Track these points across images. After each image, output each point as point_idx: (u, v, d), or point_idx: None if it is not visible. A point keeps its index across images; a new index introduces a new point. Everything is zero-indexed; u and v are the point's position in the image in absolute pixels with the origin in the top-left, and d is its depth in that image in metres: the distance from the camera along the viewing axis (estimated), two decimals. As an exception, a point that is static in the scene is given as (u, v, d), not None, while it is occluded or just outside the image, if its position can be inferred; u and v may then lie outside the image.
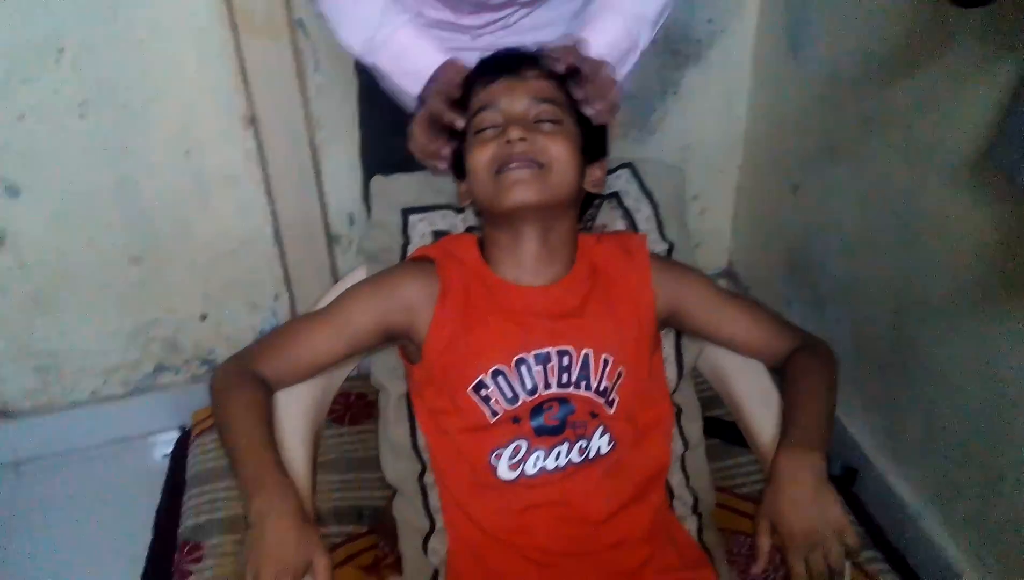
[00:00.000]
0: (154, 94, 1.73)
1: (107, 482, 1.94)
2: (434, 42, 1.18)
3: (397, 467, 1.14)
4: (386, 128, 1.40)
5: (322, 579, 0.88)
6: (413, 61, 1.16)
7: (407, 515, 1.12)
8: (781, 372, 1.11)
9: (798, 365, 1.08)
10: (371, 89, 1.42)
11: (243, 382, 1.01)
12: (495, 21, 1.27)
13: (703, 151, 2.10)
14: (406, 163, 1.25)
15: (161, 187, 1.82)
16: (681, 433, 1.17)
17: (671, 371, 1.17)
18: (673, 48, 1.94)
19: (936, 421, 1.52)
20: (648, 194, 1.24)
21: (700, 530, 1.13)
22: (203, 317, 1.99)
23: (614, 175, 1.23)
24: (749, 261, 2.19)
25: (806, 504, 0.93)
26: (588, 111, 1.08)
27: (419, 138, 1.13)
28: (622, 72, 1.19)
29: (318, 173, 1.87)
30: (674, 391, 1.17)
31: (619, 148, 1.97)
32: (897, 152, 1.53)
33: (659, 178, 1.26)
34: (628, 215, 1.23)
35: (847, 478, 1.76)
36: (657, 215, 1.23)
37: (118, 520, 1.82)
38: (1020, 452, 1.34)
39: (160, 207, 1.84)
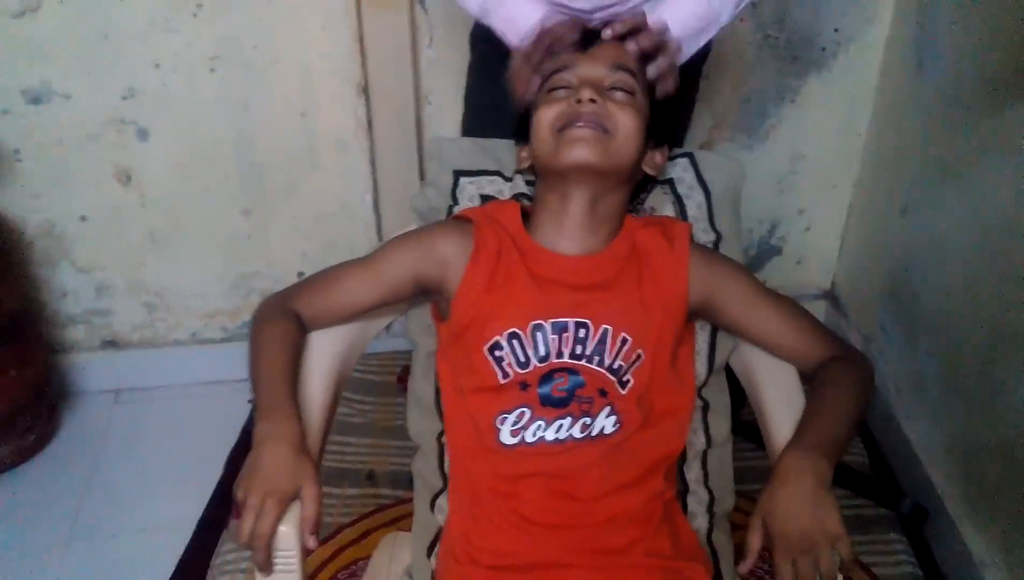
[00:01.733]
0: (278, 55, 1.82)
1: (198, 419, 2.04)
2: (544, 4, 1.19)
3: (420, 423, 1.16)
4: (488, 104, 1.43)
5: (309, 507, 0.89)
6: (525, 21, 1.17)
7: (423, 472, 1.14)
8: (811, 379, 1.06)
9: (828, 373, 1.03)
10: (480, 64, 1.46)
11: (279, 316, 1.05)
12: (610, 6, 1.26)
13: (815, 164, 2.03)
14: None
15: (276, 145, 1.91)
16: (706, 429, 1.14)
17: (702, 365, 1.14)
18: (794, 53, 1.89)
19: (1014, 468, 1.42)
20: (703, 183, 1.21)
21: (710, 530, 1.10)
22: (300, 274, 2.06)
23: (671, 162, 1.21)
24: (853, 285, 2.10)
25: (802, 507, 0.88)
26: (651, 70, 1.08)
27: (517, 65, 1.14)
28: (696, 45, 1.18)
29: (420, 147, 1.92)
30: (703, 386, 1.14)
31: (728, 152, 1.96)
32: (1007, 179, 1.44)
33: (717, 169, 1.23)
34: (679, 201, 1.21)
35: (917, 518, 1.67)
36: (709, 204, 1.21)
37: (202, 453, 1.91)
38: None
39: (273, 164, 1.94)
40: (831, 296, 2.19)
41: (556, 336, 1.02)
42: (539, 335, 1.02)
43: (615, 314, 1.03)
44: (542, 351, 1.02)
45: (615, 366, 1.02)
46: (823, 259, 2.17)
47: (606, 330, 1.02)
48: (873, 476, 1.84)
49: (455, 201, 1.21)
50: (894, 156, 1.86)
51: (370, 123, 1.89)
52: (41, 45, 1.75)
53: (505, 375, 1.02)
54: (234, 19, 1.77)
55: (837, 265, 2.16)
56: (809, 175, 2.04)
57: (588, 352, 1.02)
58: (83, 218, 1.95)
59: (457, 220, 1.13)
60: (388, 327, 1.23)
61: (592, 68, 1.05)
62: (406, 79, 1.84)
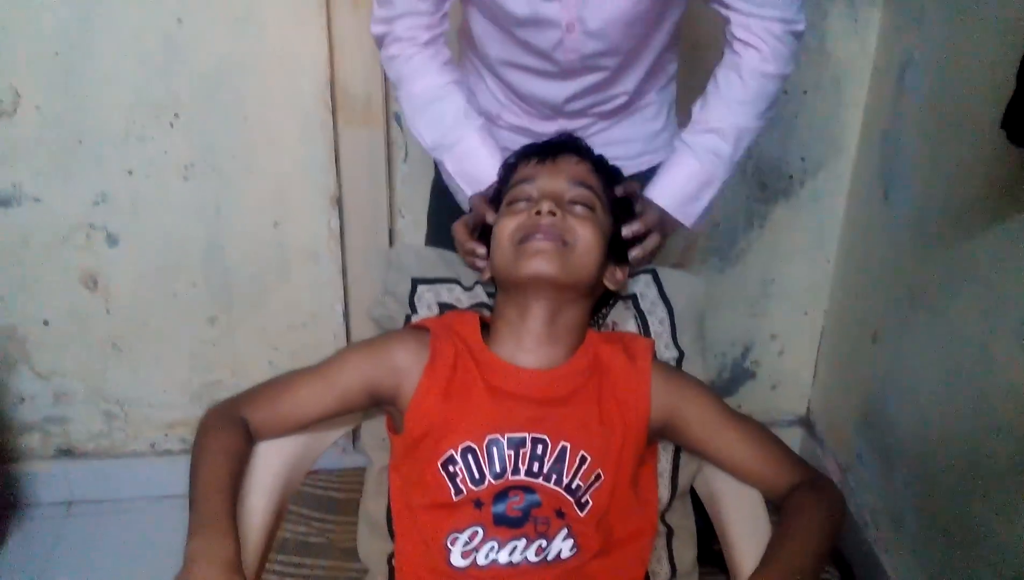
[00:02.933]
0: (252, 165, 1.83)
1: (152, 534, 1.93)
2: (499, 151, 1.23)
3: (370, 543, 1.11)
4: (449, 225, 1.43)
5: None
6: (475, 166, 1.21)
7: (373, 597, 1.08)
8: (779, 507, 1.02)
9: (795, 501, 0.99)
10: (442, 186, 1.46)
11: (224, 425, 1.01)
12: (571, 132, 1.29)
13: (786, 289, 2.03)
14: None
15: (247, 253, 1.91)
16: (671, 558, 1.09)
17: (664, 488, 1.10)
18: (762, 180, 1.92)
19: (997, 609, 1.36)
20: (665, 300, 1.21)
21: (682, 671, 1.04)
22: (266, 385, 2.02)
23: (634, 278, 1.21)
24: (828, 411, 2.07)
25: None
26: (636, 253, 1.15)
27: (459, 235, 1.17)
28: (696, 209, 1.23)
29: (393, 259, 1.91)
30: (666, 510, 1.10)
31: (696, 274, 1.96)
32: (974, 307, 1.44)
33: (679, 286, 1.23)
34: (642, 317, 1.20)
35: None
36: (672, 321, 1.20)
37: (155, 572, 1.82)
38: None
39: (243, 272, 1.92)
40: (807, 422, 2.15)
41: (512, 451, 0.98)
42: (494, 450, 0.98)
43: (573, 431, 1.00)
44: (497, 467, 0.98)
45: (573, 486, 0.98)
46: (798, 384, 2.15)
47: (564, 447, 0.99)
48: (851, 612, 1.77)
49: (413, 310, 1.19)
50: (864, 283, 1.87)
51: (342, 234, 1.89)
52: (14, 148, 1.75)
53: (458, 491, 0.98)
54: (210, 129, 1.79)
55: (812, 391, 2.14)
56: (780, 299, 2.04)
57: (545, 470, 0.98)
58: (46, 322, 1.91)
59: (413, 329, 1.11)
60: (354, 444, 1.19)
61: (553, 181, 1.06)
62: (380, 192, 1.85)
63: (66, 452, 2.04)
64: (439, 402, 1.01)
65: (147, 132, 1.78)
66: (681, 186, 1.21)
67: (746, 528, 1.03)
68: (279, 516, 1.05)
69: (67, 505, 2.04)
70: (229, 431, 1.01)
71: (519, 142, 1.26)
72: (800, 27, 1.19)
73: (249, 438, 1.03)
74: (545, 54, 1.19)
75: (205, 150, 1.81)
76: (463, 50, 1.36)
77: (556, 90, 1.23)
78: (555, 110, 1.27)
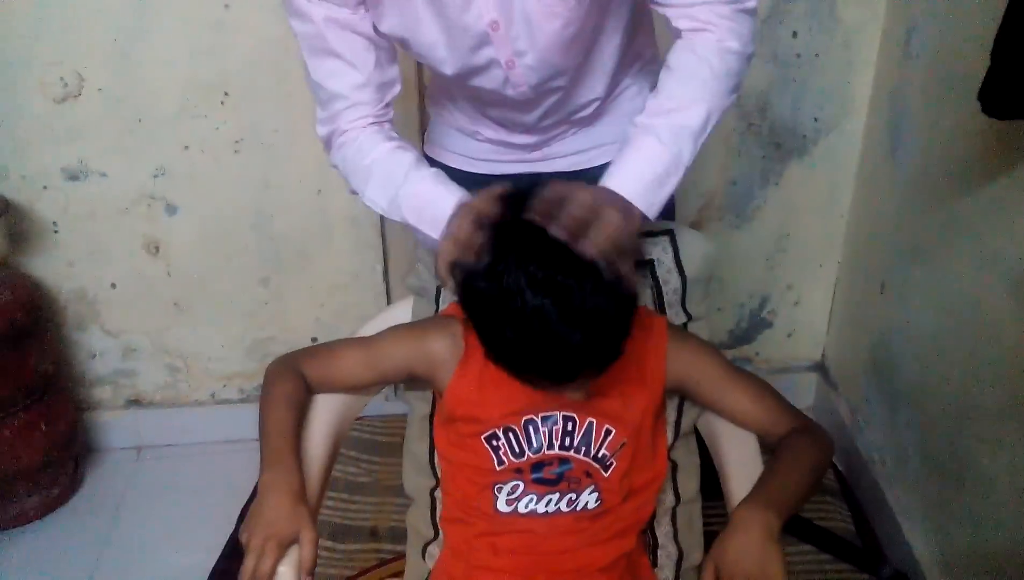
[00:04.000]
0: (296, 138, 1.96)
1: (214, 476, 2.14)
2: (456, 191, 1.11)
3: (414, 479, 1.25)
4: None
5: (306, 550, 0.99)
6: (437, 207, 1.10)
7: (416, 523, 1.24)
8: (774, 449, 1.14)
9: (788, 442, 1.11)
10: None
11: (288, 376, 1.15)
12: (547, 140, 1.33)
13: (801, 243, 2.13)
14: None
15: (293, 219, 2.06)
16: (675, 487, 1.22)
17: (669, 432, 1.22)
18: (777, 141, 2.01)
19: (981, 534, 1.49)
20: (680, 267, 1.26)
21: (677, 583, 1.18)
22: (313, 339, 2.18)
23: (652, 241, 1.26)
24: (840, 358, 2.18)
25: (749, 554, 0.97)
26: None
27: (443, 271, 1.03)
28: (661, 197, 1.07)
29: (428, 222, 2.05)
30: (670, 448, 1.22)
31: (714, 230, 2.07)
32: (968, 259, 1.54)
33: (694, 249, 1.27)
34: (657, 286, 1.26)
35: (896, 582, 1.73)
36: (684, 288, 1.26)
37: (217, 508, 1.98)
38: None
39: (290, 237, 2.08)
40: (821, 368, 2.27)
41: (547, 429, 1.11)
42: (531, 429, 1.11)
43: (599, 408, 1.11)
44: (535, 444, 1.11)
45: (600, 455, 1.11)
46: (813, 332, 2.26)
47: (591, 423, 1.11)
48: (858, 541, 1.90)
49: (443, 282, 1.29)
50: (873, 237, 1.97)
51: (381, 200, 2.03)
52: (80, 128, 1.91)
53: (500, 463, 1.11)
54: (257, 107, 1.93)
55: (826, 339, 2.25)
56: (796, 253, 2.14)
57: (575, 443, 1.11)
58: (113, 285, 2.09)
59: (448, 318, 1.18)
60: (396, 392, 1.30)
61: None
62: (415, 160, 1.98)
63: (135, 402, 2.24)
64: (474, 391, 1.12)
65: (200, 110, 1.93)
66: (641, 171, 1.06)
67: (741, 464, 1.15)
68: (333, 457, 1.20)
69: (137, 450, 2.24)
70: (292, 381, 1.14)
71: (499, 152, 1.32)
72: (751, 3, 1.09)
73: (308, 388, 1.16)
74: (497, 92, 1.19)
75: (253, 126, 1.95)
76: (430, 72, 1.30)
77: (525, 116, 1.26)
78: (531, 127, 1.29)
